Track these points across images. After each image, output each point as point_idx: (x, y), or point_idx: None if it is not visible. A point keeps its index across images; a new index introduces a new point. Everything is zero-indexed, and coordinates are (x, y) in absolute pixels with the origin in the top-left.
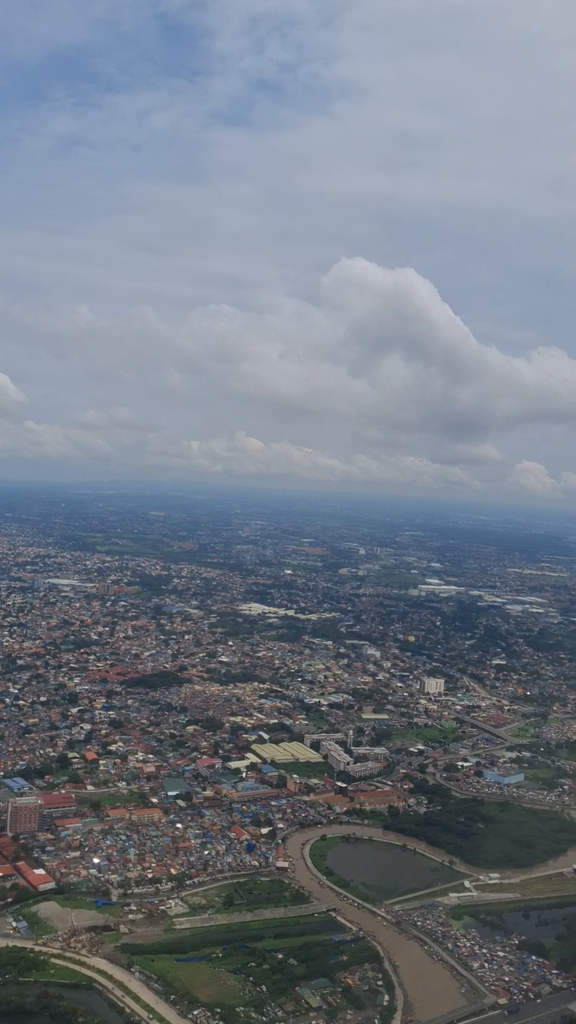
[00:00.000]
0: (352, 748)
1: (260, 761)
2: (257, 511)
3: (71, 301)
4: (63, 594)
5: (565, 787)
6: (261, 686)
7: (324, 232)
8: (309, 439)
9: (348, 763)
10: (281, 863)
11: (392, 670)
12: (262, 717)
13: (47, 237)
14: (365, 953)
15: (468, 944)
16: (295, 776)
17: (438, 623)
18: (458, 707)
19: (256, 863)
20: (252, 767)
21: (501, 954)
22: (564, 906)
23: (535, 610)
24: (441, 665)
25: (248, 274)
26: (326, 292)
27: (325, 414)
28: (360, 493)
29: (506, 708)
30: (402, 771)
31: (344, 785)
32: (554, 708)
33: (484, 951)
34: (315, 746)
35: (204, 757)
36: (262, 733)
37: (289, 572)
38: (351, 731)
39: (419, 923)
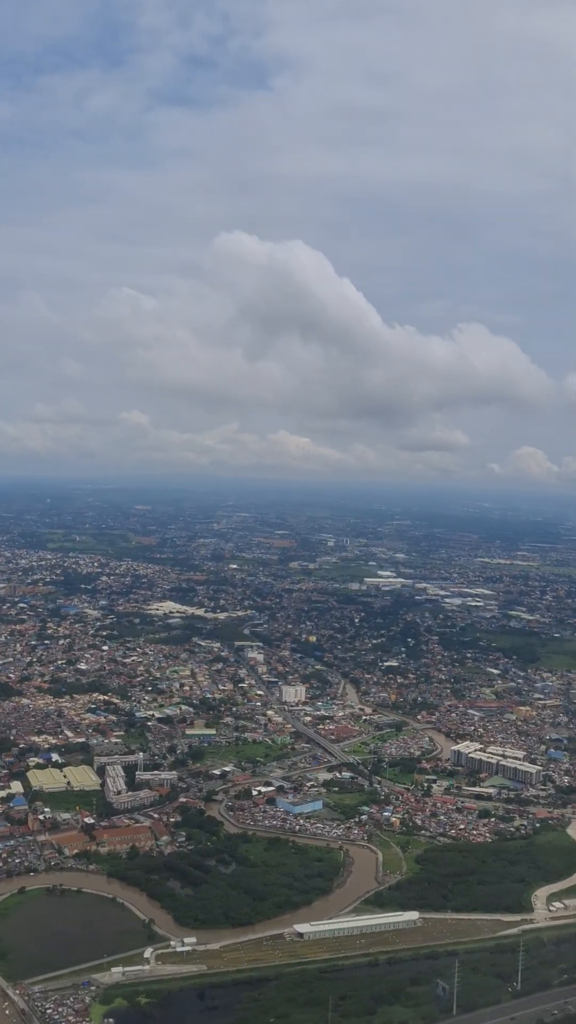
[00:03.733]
0: (139, 773)
1: (20, 792)
2: (250, 503)
3: None
4: None
5: (363, 818)
6: (99, 697)
7: (286, 216)
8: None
9: (119, 792)
10: None
11: (266, 675)
12: (69, 735)
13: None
14: None
15: None
16: (47, 810)
17: (356, 620)
18: (308, 718)
19: None
20: (7, 799)
21: None
22: (251, 983)
23: (474, 603)
24: (327, 668)
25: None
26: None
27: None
28: (362, 483)
29: (363, 718)
30: (182, 799)
31: (92, 821)
32: (418, 717)
33: None
34: (102, 770)
35: None
36: (55, 755)
37: (235, 567)
38: (162, 750)
39: (50, 1011)
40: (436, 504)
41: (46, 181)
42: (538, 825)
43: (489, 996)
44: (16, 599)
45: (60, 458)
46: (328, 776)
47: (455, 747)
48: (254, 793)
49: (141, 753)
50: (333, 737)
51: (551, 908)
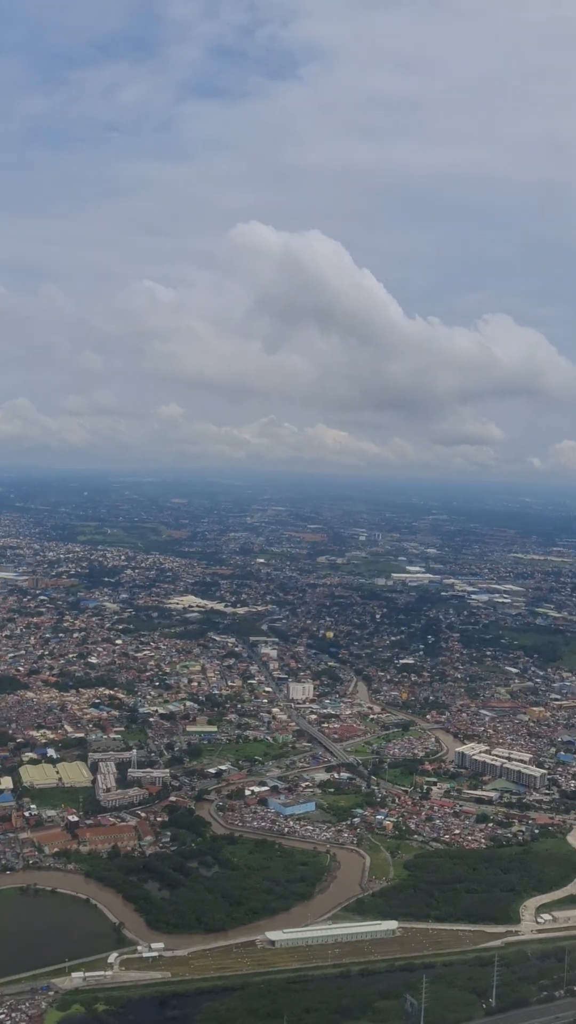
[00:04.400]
0: (131, 770)
1: (8, 788)
2: (287, 496)
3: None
4: None
5: (356, 820)
6: (105, 692)
7: (320, 208)
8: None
9: (108, 789)
10: None
11: (277, 672)
12: (69, 730)
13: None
14: None
15: None
16: (33, 807)
17: (377, 617)
18: (313, 716)
19: None
20: None
21: None
22: (214, 992)
23: (501, 600)
24: (340, 665)
25: None
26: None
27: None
28: (401, 477)
29: (371, 716)
30: (173, 798)
31: (77, 819)
32: (427, 716)
33: None
34: (95, 767)
35: None
36: (51, 751)
37: (262, 561)
38: (160, 747)
39: (2, 1016)
40: (475, 499)
41: (79, 174)
42: (537, 831)
43: (460, 1013)
44: (38, 592)
45: (98, 451)
46: (325, 776)
47: (459, 748)
48: (247, 793)
49: (135, 750)
50: (336, 736)
51: (539, 920)
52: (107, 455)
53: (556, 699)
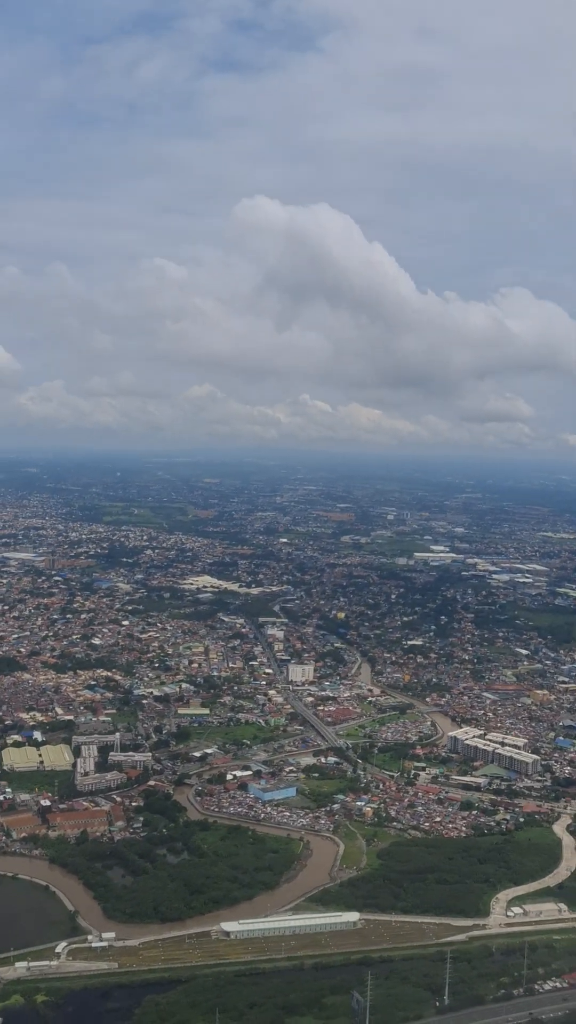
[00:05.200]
0: (112, 754)
1: None
2: (320, 476)
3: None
4: (4, 568)
5: (335, 807)
6: (103, 673)
7: (347, 183)
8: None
9: (87, 773)
10: None
11: (281, 653)
12: (59, 712)
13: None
14: None
15: None
16: (8, 790)
17: (393, 597)
18: (310, 698)
19: None
20: None
21: None
22: (160, 985)
23: (522, 579)
24: (347, 646)
25: None
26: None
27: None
28: (437, 455)
29: (369, 699)
30: (152, 783)
31: (50, 804)
32: (427, 699)
33: None
34: (79, 750)
35: None
36: (36, 733)
37: (284, 541)
38: (148, 730)
39: None
40: (510, 477)
41: (102, 155)
42: (522, 820)
43: (409, 1010)
44: (53, 572)
45: (130, 432)
46: (312, 761)
47: (452, 733)
48: (228, 777)
49: (118, 733)
50: (330, 719)
51: (509, 914)
52: (140, 436)
53: (564, 681)
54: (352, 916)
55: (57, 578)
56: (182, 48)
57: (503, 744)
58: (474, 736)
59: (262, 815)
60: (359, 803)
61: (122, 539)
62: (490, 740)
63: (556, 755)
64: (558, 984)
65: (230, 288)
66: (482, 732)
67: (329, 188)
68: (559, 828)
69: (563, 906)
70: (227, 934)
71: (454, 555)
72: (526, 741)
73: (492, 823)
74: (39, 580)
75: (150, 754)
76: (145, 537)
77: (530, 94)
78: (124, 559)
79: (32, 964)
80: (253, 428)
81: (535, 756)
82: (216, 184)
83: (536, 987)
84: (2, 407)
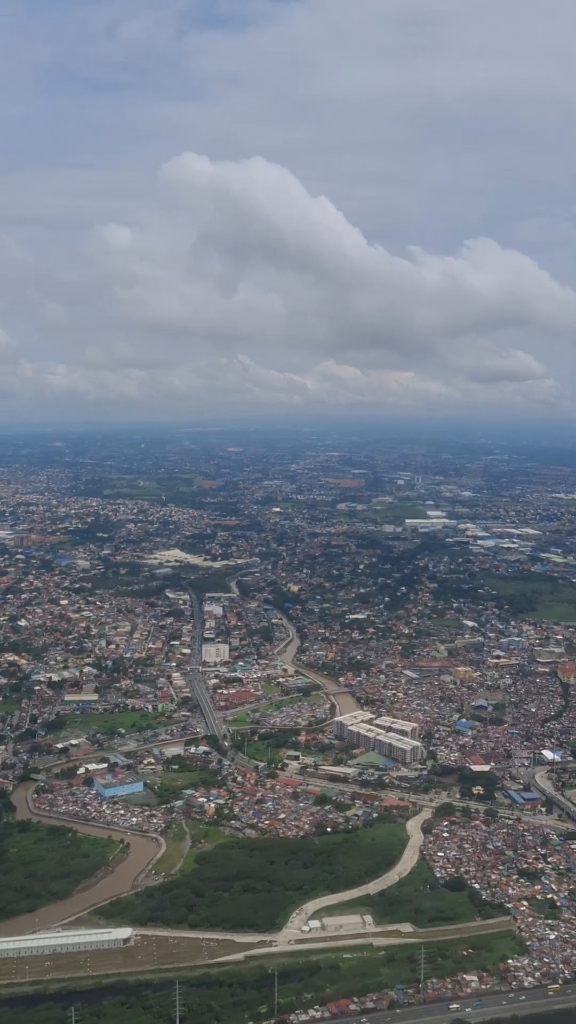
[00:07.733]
0: None
1: None
2: (349, 441)
3: None
4: None
5: (179, 803)
6: (8, 658)
7: (351, 138)
8: None
9: None
10: None
11: (211, 631)
12: None
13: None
14: None
15: None
16: None
17: (360, 567)
18: (214, 680)
19: None
20: None
21: None
22: None
23: (508, 545)
24: (286, 622)
25: None
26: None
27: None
28: (467, 417)
29: (277, 680)
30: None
31: None
32: (341, 679)
33: None
34: None
35: None
36: None
37: (277, 510)
38: (20, 720)
39: None
40: (543, 437)
41: (100, 120)
42: (375, 816)
43: None
44: (19, 550)
45: (154, 403)
46: (179, 751)
47: (339, 718)
48: (79, 771)
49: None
50: (224, 703)
51: (304, 928)
52: (165, 406)
53: (497, 656)
54: (124, 933)
55: (19, 556)
56: (161, 6)
57: (389, 729)
58: (360, 721)
59: (94, 814)
60: (202, 800)
61: (109, 513)
62: (377, 725)
63: (451, 739)
64: (316, 1015)
65: (163, 250)
66: (372, 717)
67: (332, 144)
68: (413, 825)
69: (369, 919)
70: None
71: (447, 520)
72: (415, 726)
73: (340, 820)
74: (2, 558)
75: (5, 747)
76: (135, 510)
77: (529, 37)
78: (100, 534)
79: None
80: (277, 396)
81: (416, 743)
82: (214, 145)
83: (290, 1019)
84: (32, 382)
